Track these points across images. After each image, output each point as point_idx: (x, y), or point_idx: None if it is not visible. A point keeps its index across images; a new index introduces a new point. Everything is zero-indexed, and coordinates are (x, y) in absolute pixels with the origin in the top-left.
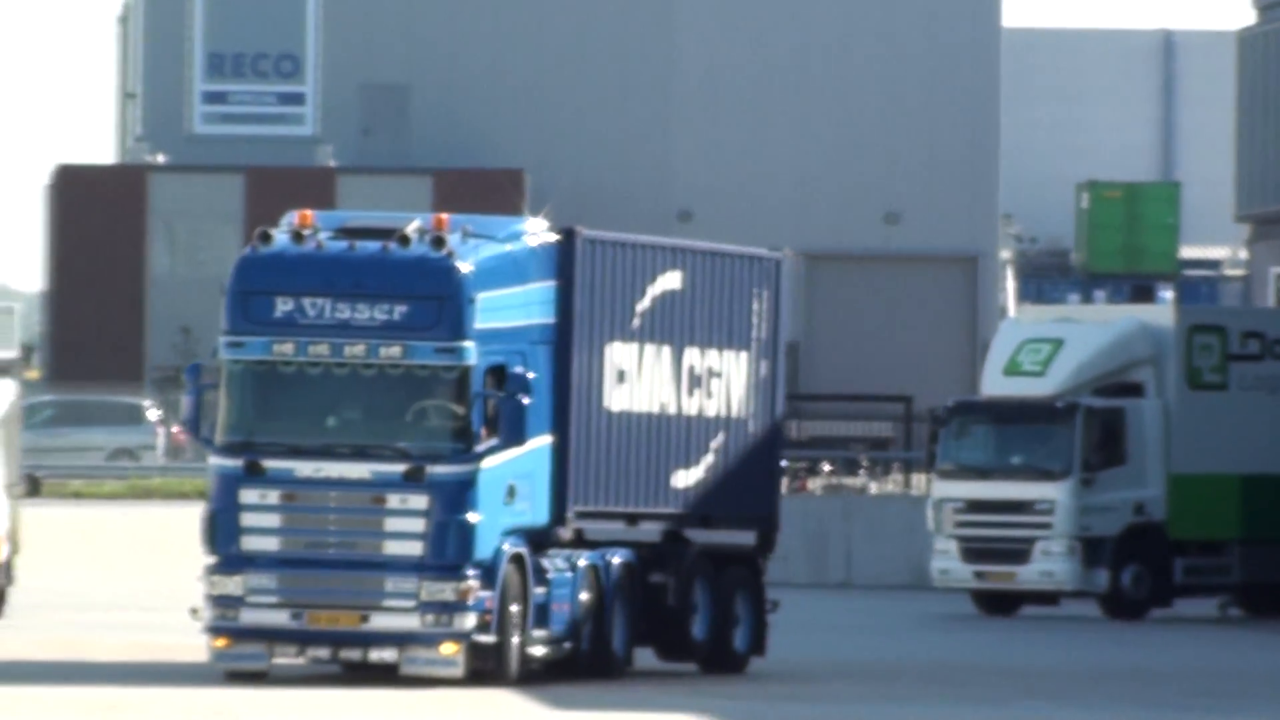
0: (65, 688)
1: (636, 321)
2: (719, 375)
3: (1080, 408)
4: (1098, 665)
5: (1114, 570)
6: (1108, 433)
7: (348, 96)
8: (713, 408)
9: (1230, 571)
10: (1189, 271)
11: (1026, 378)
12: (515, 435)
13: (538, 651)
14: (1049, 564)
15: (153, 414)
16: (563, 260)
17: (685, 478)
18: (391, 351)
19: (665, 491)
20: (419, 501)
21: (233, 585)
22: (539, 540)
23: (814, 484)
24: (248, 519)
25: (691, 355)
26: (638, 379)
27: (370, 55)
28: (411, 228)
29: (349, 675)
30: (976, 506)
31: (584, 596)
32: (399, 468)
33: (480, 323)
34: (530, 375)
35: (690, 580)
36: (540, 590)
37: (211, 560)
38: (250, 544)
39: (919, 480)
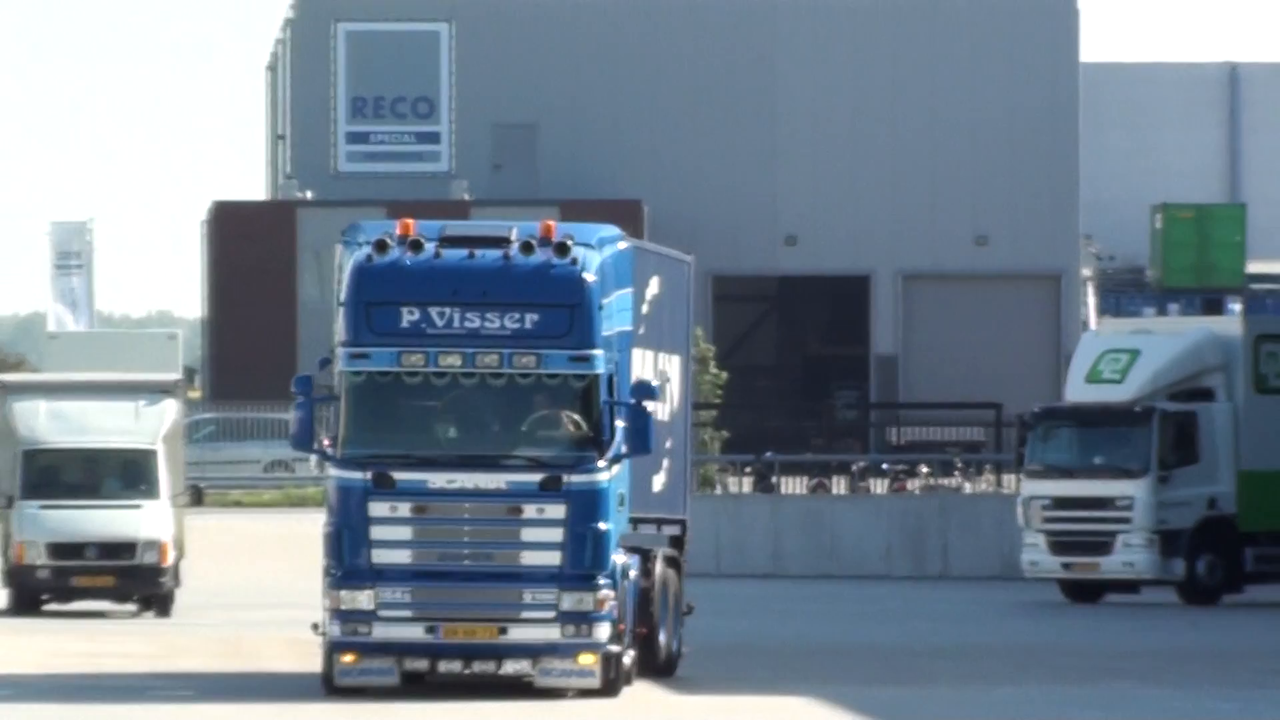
0: (234, 704)
1: (641, 328)
2: (670, 379)
3: (1156, 411)
4: (1176, 647)
5: (1189, 560)
6: (1182, 434)
7: (480, 135)
8: (666, 411)
9: None
10: (1255, 285)
11: (1107, 385)
12: (643, 443)
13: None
14: (1130, 555)
15: None
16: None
17: (657, 482)
18: (525, 361)
19: (649, 496)
20: (556, 511)
21: (364, 600)
22: None
23: (913, 484)
24: (377, 532)
25: (660, 359)
26: None
27: (500, 97)
28: (514, 235)
29: (431, 688)
30: (1062, 503)
31: (628, 604)
32: (535, 477)
33: (604, 330)
34: (656, 383)
35: (663, 586)
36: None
37: (336, 575)
38: (381, 558)
39: (1009, 480)
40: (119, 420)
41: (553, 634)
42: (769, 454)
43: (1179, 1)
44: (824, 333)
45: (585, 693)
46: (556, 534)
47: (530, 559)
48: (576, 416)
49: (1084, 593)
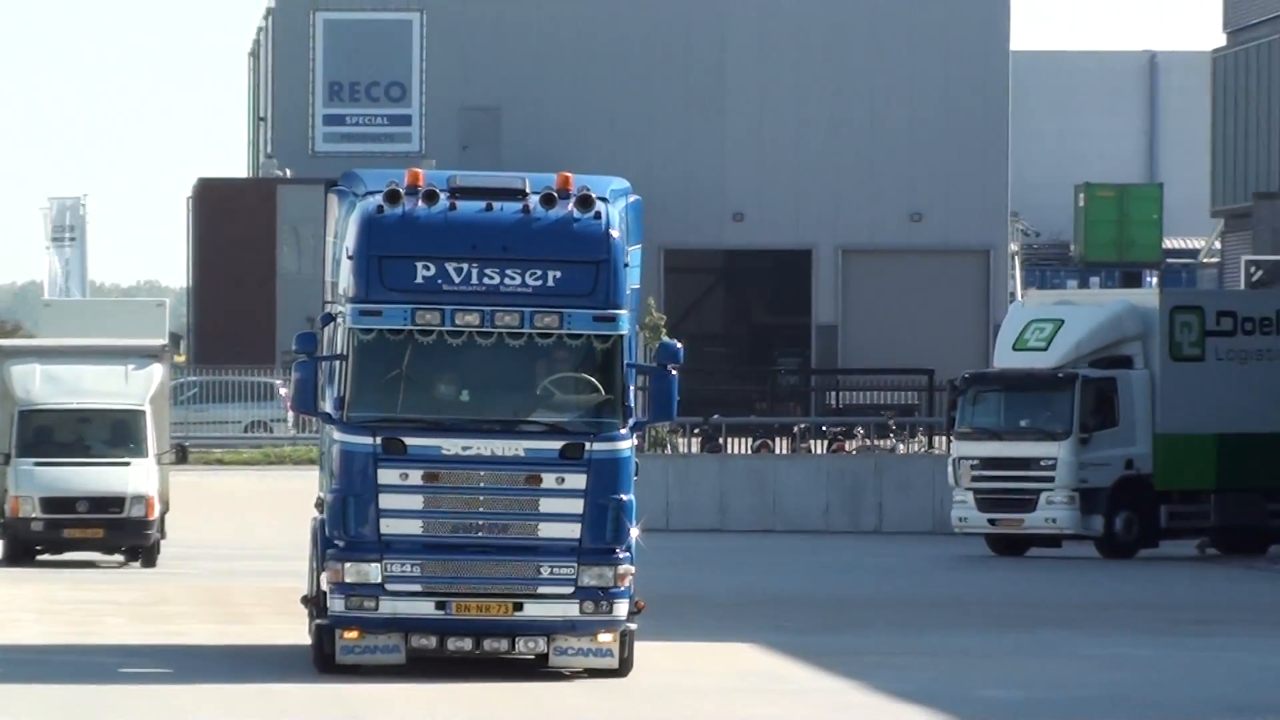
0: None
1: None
2: None
3: (1078, 377)
4: (1095, 598)
5: (1108, 516)
6: (1102, 399)
7: (448, 117)
8: None
9: (1208, 517)
10: (1171, 260)
11: (1032, 352)
12: (667, 410)
13: None
14: (1052, 512)
15: (284, 391)
16: None
17: None
18: (547, 320)
19: None
20: (577, 481)
21: (370, 572)
22: None
23: (850, 445)
24: (386, 501)
25: None
26: None
27: (467, 81)
28: (527, 186)
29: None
30: (990, 463)
31: None
32: (555, 444)
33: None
34: (679, 345)
35: None
36: None
37: (340, 546)
38: (389, 528)
39: (940, 441)
40: (109, 383)
41: (571, 610)
42: (716, 416)
43: None
44: (768, 303)
45: (593, 672)
46: (576, 505)
47: (548, 531)
48: (602, 379)
49: (1009, 547)
